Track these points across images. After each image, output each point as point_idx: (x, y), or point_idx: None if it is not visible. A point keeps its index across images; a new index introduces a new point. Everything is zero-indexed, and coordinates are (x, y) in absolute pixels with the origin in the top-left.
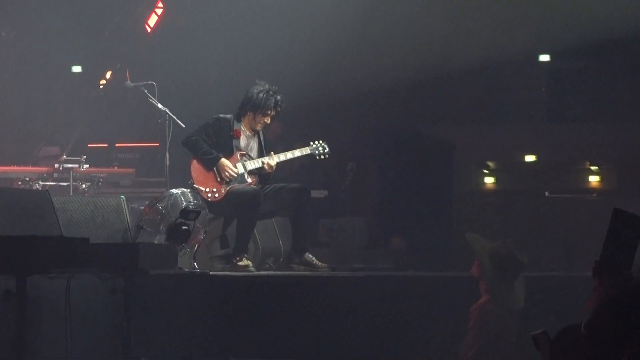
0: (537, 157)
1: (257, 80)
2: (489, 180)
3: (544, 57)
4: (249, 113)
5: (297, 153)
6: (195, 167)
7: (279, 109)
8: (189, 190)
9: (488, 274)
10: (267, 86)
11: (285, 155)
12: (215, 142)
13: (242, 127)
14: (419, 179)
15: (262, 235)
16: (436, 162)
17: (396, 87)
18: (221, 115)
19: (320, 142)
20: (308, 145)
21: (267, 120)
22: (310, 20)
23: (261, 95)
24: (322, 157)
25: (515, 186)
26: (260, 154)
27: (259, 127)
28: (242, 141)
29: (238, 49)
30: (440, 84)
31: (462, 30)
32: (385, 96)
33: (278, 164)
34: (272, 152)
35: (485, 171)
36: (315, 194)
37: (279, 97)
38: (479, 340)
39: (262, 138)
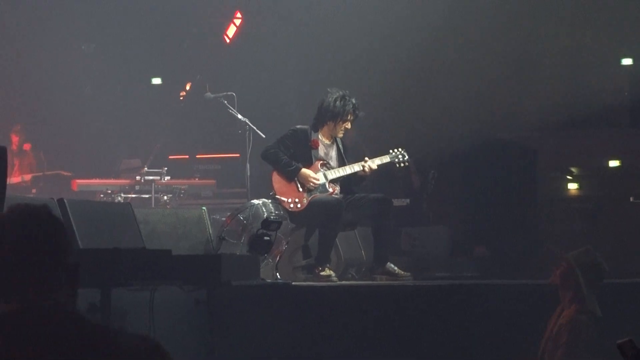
0: (621, 162)
1: (328, 89)
2: (572, 186)
3: (627, 61)
4: (328, 122)
5: (377, 161)
6: (277, 178)
7: (357, 112)
8: (270, 200)
9: (577, 282)
10: (340, 92)
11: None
12: (294, 153)
13: (319, 136)
14: (502, 186)
15: (345, 245)
16: (519, 168)
17: (477, 93)
18: (298, 127)
19: (400, 149)
20: (387, 153)
21: (348, 125)
22: (388, 27)
23: (338, 102)
24: (402, 164)
25: (599, 192)
26: (341, 163)
27: (340, 134)
28: (321, 151)
29: (316, 58)
30: (522, 89)
31: (543, 35)
32: (467, 102)
33: (357, 173)
34: (366, 158)
35: (568, 177)
36: (397, 202)
37: (354, 101)
38: (575, 352)
39: (341, 146)
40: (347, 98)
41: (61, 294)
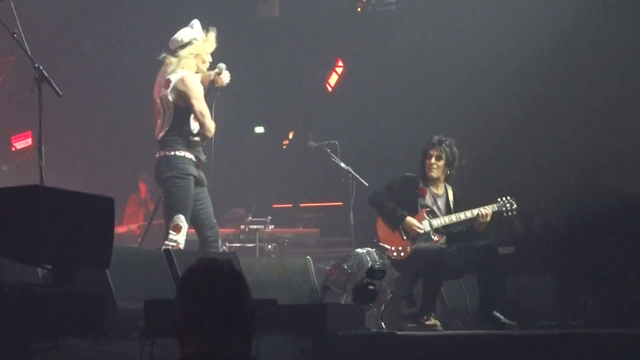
0: None
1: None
2: None
3: None
4: (424, 165)
5: (484, 211)
6: (381, 225)
7: (442, 146)
8: (374, 249)
9: None
10: (434, 136)
11: (472, 212)
12: (401, 200)
13: (428, 184)
14: (609, 232)
15: (450, 293)
16: (626, 214)
17: (580, 139)
18: (407, 174)
19: (508, 198)
20: (495, 202)
21: (432, 160)
22: (492, 74)
23: (423, 144)
24: (510, 213)
25: None
26: (448, 212)
27: (433, 174)
28: (428, 199)
29: (418, 105)
30: (627, 132)
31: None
32: (571, 149)
33: (463, 221)
34: (482, 208)
35: None
36: (502, 250)
37: (437, 137)
38: None
39: (451, 197)
40: (431, 136)
41: (237, 341)
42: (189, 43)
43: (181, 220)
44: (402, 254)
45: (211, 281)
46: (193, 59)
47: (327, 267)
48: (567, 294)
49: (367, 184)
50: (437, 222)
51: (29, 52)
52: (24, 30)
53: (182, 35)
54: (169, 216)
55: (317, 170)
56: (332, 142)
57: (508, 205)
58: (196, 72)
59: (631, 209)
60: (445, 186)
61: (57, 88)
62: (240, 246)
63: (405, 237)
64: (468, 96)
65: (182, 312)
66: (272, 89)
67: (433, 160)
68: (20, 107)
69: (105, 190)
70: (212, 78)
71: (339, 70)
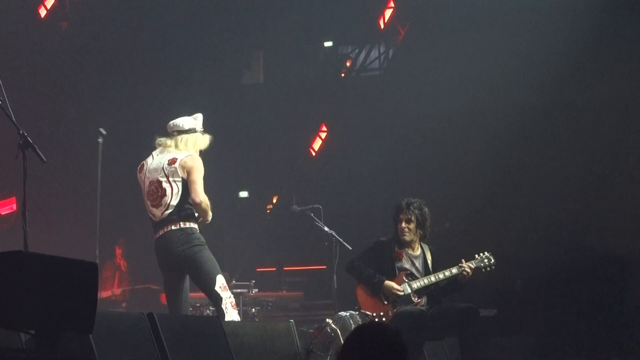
0: None
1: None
2: None
3: None
4: (396, 229)
5: (466, 267)
6: (361, 292)
7: (410, 209)
8: (357, 312)
9: None
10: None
11: (450, 271)
12: (378, 266)
13: (405, 248)
14: (591, 294)
15: (432, 354)
16: (607, 276)
17: (562, 202)
18: (381, 239)
19: (486, 253)
20: (473, 258)
21: (403, 225)
22: (469, 137)
23: (393, 209)
24: (488, 268)
25: None
26: (427, 273)
27: (405, 237)
28: (405, 262)
29: (400, 167)
30: (610, 198)
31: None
32: (551, 211)
33: (442, 280)
34: (463, 260)
35: None
36: (484, 312)
37: (405, 200)
38: None
39: (429, 257)
40: (400, 200)
41: None
42: (188, 131)
43: (223, 280)
44: (383, 318)
45: (383, 343)
46: (191, 145)
47: (311, 330)
48: (549, 355)
49: (350, 248)
50: (417, 284)
51: (14, 119)
52: (8, 97)
53: (183, 122)
54: (211, 281)
55: (300, 234)
56: (315, 206)
57: (486, 260)
58: None
59: (612, 271)
60: (421, 246)
61: (41, 154)
62: None
63: (386, 302)
64: (449, 157)
65: None
66: (257, 153)
67: (404, 224)
68: (5, 172)
69: (87, 256)
70: None
71: (323, 135)
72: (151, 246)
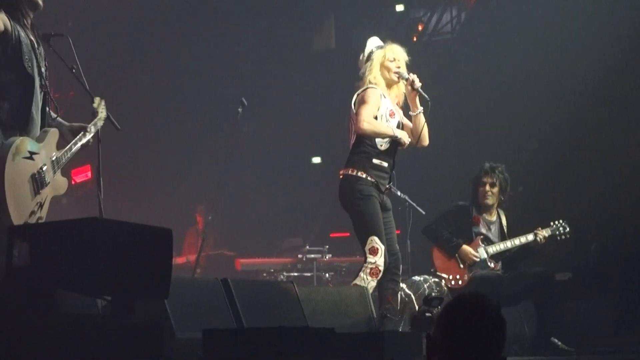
0: None
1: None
2: None
3: None
4: (477, 193)
5: (541, 234)
6: (437, 254)
7: (495, 173)
8: (431, 277)
9: None
10: (484, 164)
11: (526, 238)
12: (455, 229)
13: (481, 212)
14: None
15: (508, 320)
16: None
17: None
18: (460, 203)
19: (561, 221)
20: (548, 225)
21: (487, 188)
22: (545, 102)
23: (475, 172)
24: (563, 237)
25: None
26: (503, 239)
27: (488, 201)
28: (482, 227)
29: (473, 131)
30: None
31: None
32: (627, 175)
33: (525, 246)
34: (539, 228)
35: None
36: (559, 277)
37: (488, 164)
38: None
39: (504, 222)
40: (483, 165)
41: None
42: (369, 58)
43: (376, 242)
44: (459, 282)
45: (484, 315)
46: (377, 71)
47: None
48: (626, 319)
49: (423, 212)
50: (493, 249)
51: (87, 87)
52: (82, 64)
53: (363, 54)
54: (363, 239)
55: None
56: None
57: (561, 228)
58: (386, 82)
59: None
60: (498, 212)
61: (115, 122)
62: (298, 275)
63: (462, 266)
64: (523, 121)
65: (443, 333)
66: (330, 119)
67: (487, 187)
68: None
69: (163, 222)
70: (404, 82)
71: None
72: (227, 212)
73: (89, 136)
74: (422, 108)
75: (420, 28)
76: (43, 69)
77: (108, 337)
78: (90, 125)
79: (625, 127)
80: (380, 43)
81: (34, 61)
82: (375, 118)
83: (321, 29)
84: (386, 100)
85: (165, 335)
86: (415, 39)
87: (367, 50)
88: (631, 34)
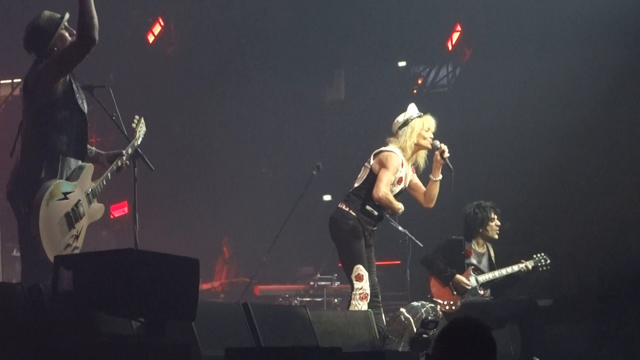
0: None
1: (467, 205)
2: None
3: None
4: (480, 230)
5: (526, 266)
6: (433, 282)
7: (498, 209)
8: (428, 302)
9: None
10: (475, 202)
11: (512, 268)
12: (450, 260)
13: (472, 245)
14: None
15: (496, 341)
16: None
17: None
18: (453, 237)
19: (542, 254)
20: (531, 258)
21: (495, 223)
22: (529, 137)
23: (477, 211)
24: (545, 268)
25: None
26: (491, 268)
27: (495, 235)
28: (473, 258)
29: (464, 178)
30: None
31: None
32: (603, 208)
33: (505, 276)
34: (523, 260)
35: None
36: (541, 302)
37: (488, 203)
38: None
39: (492, 254)
40: (482, 204)
41: None
42: (405, 123)
43: (361, 269)
44: (453, 307)
45: (478, 338)
46: (414, 140)
47: (387, 319)
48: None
49: (421, 245)
50: (483, 278)
51: (125, 132)
52: (121, 113)
53: (399, 117)
54: (349, 267)
55: (377, 233)
56: None
57: (543, 260)
58: (418, 148)
59: None
60: (486, 245)
61: (149, 163)
62: (310, 300)
63: (455, 292)
64: (511, 168)
65: (441, 353)
66: (339, 162)
67: (496, 222)
68: (118, 179)
69: (197, 253)
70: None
71: None
72: (245, 243)
73: (124, 158)
74: (441, 176)
75: (419, 82)
76: (85, 106)
77: (142, 355)
78: (127, 148)
79: (606, 174)
80: (418, 112)
81: (82, 99)
82: None
83: (331, 81)
84: (403, 168)
85: (193, 354)
86: (415, 91)
87: (407, 115)
88: (617, 84)
